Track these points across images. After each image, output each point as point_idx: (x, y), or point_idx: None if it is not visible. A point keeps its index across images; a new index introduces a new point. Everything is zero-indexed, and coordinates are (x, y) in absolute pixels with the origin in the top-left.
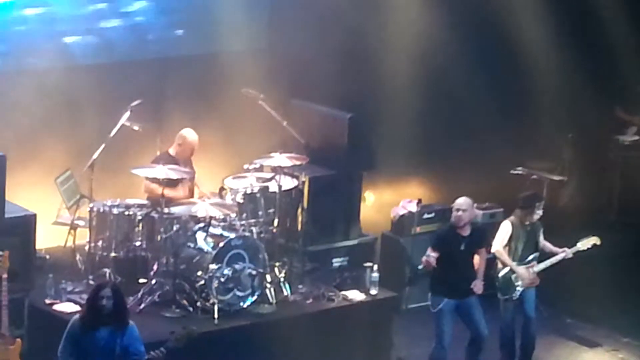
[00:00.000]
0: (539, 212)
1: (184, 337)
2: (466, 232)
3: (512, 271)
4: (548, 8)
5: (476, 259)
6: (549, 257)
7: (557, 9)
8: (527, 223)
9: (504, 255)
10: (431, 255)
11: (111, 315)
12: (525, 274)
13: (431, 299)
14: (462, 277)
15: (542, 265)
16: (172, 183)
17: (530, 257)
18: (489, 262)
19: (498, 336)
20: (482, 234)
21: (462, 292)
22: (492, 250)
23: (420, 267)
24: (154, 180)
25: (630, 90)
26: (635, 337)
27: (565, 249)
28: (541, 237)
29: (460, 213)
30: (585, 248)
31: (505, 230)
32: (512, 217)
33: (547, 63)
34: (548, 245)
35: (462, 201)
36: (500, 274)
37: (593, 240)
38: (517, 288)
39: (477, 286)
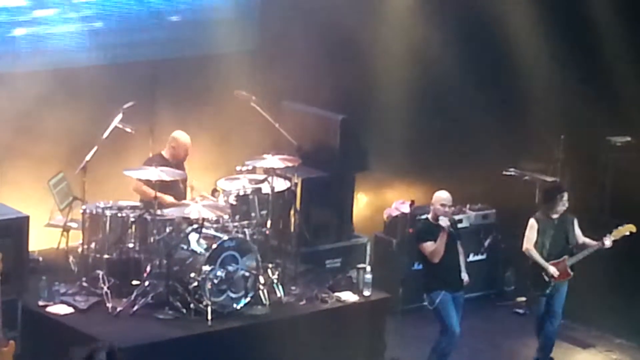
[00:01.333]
0: (563, 204)
1: None
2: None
3: (542, 267)
4: (540, 10)
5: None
6: (583, 250)
7: (549, 10)
8: (553, 217)
9: (534, 253)
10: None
11: None
12: (555, 270)
13: (428, 296)
14: (454, 269)
15: (575, 259)
16: (164, 186)
17: (561, 251)
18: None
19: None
20: (456, 224)
21: (455, 284)
22: (523, 249)
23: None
24: (146, 182)
25: (622, 91)
26: (628, 338)
27: (604, 239)
28: (575, 229)
29: (447, 209)
30: (620, 236)
31: (531, 227)
32: (537, 213)
33: (538, 64)
34: (583, 237)
35: (448, 196)
36: (531, 271)
37: (629, 227)
38: (549, 284)
39: (465, 278)
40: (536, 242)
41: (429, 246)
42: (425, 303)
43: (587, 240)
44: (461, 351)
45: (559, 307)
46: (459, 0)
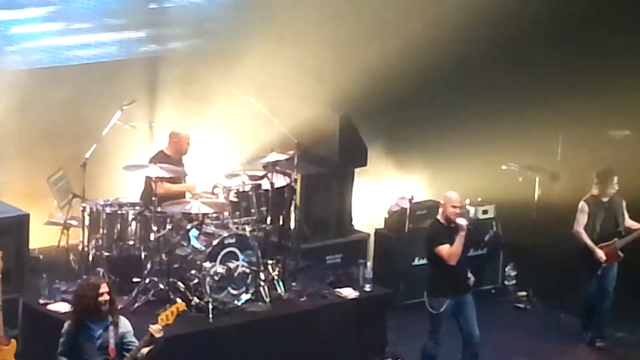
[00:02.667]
0: (613, 187)
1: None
2: (452, 225)
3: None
4: (541, 4)
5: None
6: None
7: (551, 5)
8: (604, 200)
9: (583, 236)
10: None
11: (107, 311)
12: (602, 253)
13: (431, 300)
14: (461, 273)
15: (624, 241)
16: (171, 182)
17: (611, 233)
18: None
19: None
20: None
21: (462, 289)
22: (573, 230)
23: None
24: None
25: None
26: (629, 331)
27: None
28: (625, 213)
29: (458, 210)
30: None
31: (581, 210)
32: (587, 196)
33: (538, 58)
34: (629, 221)
35: (459, 197)
36: (581, 253)
37: None
38: (599, 266)
39: (471, 280)
40: (587, 225)
41: (445, 249)
42: (427, 304)
43: (632, 223)
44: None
45: (610, 287)
46: None
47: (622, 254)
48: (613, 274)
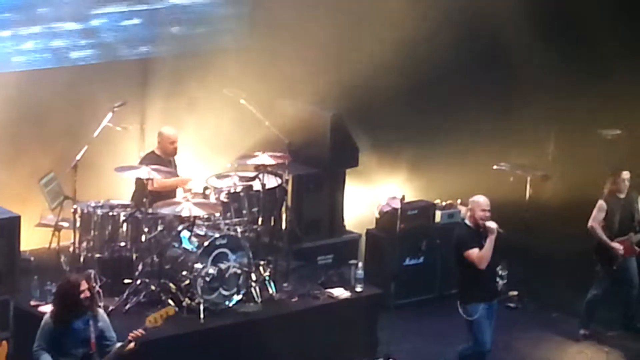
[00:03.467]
0: (625, 182)
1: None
2: (481, 229)
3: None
4: (532, 4)
5: None
6: None
7: (541, 5)
8: (621, 197)
9: (599, 231)
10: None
11: (88, 306)
12: (619, 246)
13: (465, 307)
14: (492, 277)
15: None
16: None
17: (627, 228)
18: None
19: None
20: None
21: (493, 293)
22: (588, 226)
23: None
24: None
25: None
26: (621, 330)
27: None
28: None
29: (487, 214)
30: None
31: (599, 208)
32: (605, 195)
33: (529, 58)
34: None
35: (487, 201)
36: (597, 248)
37: None
38: (616, 260)
39: (500, 284)
40: (605, 222)
41: (475, 253)
42: (461, 312)
43: None
44: (453, 345)
45: (635, 277)
46: None
47: (638, 249)
48: (634, 266)
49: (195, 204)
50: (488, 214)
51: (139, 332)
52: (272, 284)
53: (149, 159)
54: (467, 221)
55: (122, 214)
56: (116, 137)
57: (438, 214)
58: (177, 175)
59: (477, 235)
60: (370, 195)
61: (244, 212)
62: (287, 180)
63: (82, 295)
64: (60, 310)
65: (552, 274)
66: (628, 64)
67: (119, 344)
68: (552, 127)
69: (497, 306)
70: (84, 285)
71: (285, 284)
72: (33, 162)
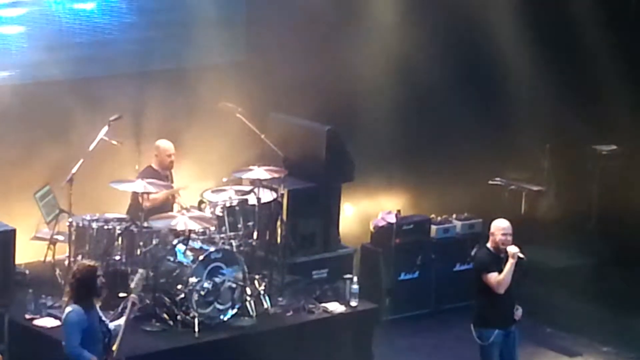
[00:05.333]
0: None
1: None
2: (501, 253)
3: None
4: (526, 19)
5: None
6: None
7: (536, 19)
8: None
9: None
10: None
11: (101, 294)
12: None
13: (479, 331)
14: (510, 303)
15: None
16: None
17: None
18: None
19: None
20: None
21: (510, 319)
22: None
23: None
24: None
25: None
26: (614, 346)
27: None
28: None
29: (508, 237)
30: None
31: None
32: None
33: (524, 73)
34: None
35: (509, 225)
36: None
37: None
38: None
39: (519, 312)
40: None
41: (494, 277)
42: (474, 335)
43: None
44: None
45: None
46: (444, 11)
47: None
48: None
49: (191, 217)
50: (510, 237)
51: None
52: (267, 298)
53: (146, 173)
54: (488, 245)
55: (117, 227)
56: (112, 150)
57: (433, 228)
58: (171, 187)
59: (497, 259)
60: (365, 210)
61: (239, 226)
62: (282, 195)
63: (98, 280)
64: (85, 293)
65: (547, 290)
66: (623, 80)
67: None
68: (547, 143)
69: (518, 332)
70: (100, 272)
71: (280, 298)
72: (28, 176)
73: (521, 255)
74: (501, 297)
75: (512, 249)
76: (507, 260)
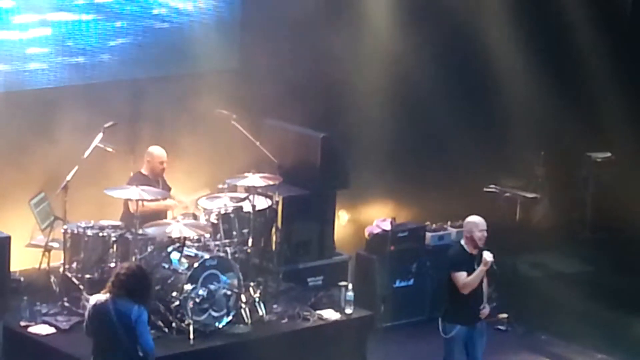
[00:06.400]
0: None
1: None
2: (475, 251)
3: None
4: (521, 26)
5: (485, 279)
6: None
7: (531, 26)
8: None
9: None
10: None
11: None
12: None
13: (444, 325)
14: (479, 301)
15: None
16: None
17: None
18: None
19: None
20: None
21: (474, 318)
22: None
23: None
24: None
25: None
26: (609, 353)
27: None
28: None
29: (485, 233)
30: None
31: None
32: None
33: (518, 81)
34: None
35: (483, 220)
36: None
37: None
38: None
39: (485, 310)
40: None
41: (462, 278)
42: (439, 328)
43: None
44: None
45: None
46: (438, 18)
47: None
48: None
49: (186, 224)
50: (486, 234)
51: None
52: (262, 306)
53: (136, 179)
54: (463, 242)
55: (112, 234)
56: (106, 157)
57: (428, 236)
58: (167, 195)
59: (470, 258)
60: (360, 217)
61: (234, 233)
62: (277, 202)
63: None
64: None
65: (541, 297)
66: (617, 87)
67: None
68: (542, 150)
69: (484, 327)
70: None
71: (275, 306)
72: (23, 182)
73: (494, 266)
74: (468, 295)
75: (488, 257)
76: (480, 257)
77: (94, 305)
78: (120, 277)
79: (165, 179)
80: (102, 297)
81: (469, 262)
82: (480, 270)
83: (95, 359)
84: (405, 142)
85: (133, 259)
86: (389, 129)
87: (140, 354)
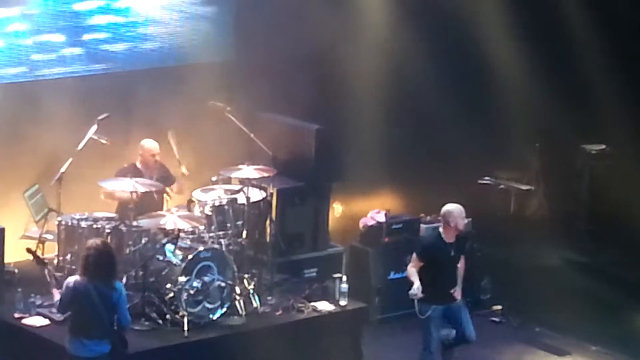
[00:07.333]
0: None
1: None
2: (452, 239)
3: None
4: (515, 19)
5: (460, 264)
6: None
7: (525, 19)
8: None
9: None
10: (416, 289)
11: None
12: None
13: (419, 305)
14: (450, 284)
15: None
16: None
17: None
18: None
19: None
20: (465, 241)
21: (448, 298)
22: None
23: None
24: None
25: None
26: (604, 345)
27: None
28: None
29: (465, 221)
30: None
31: None
32: None
33: (513, 73)
34: None
35: (462, 208)
36: None
37: None
38: None
39: (457, 292)
40: None
41: (412, 264)
42: (416, 310)
43: None
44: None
45: None
46: (433, 11)
47: None
48: None
49: (180, 216)
50: (464, 220)
51: None
52: (257, 297)
53: (129, 171)
54: (440, 229)
55: (106, 226)
56: (101, 149)
57: (423, 227)
58: (163, 189)
59: (445, 246)
60: (354, 209)
61: (229, 225)
62: (271, 194)
63: None
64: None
65: (536, 289)
66: (612, 79)
67: None
68: (536, 142)
69: (462, 304)
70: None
71: (269, 297)
72: (17, 175)
73: (478, 254)
74: (441, 277)
75: (413, 293)
76: (457, 244)
77: (74, 288)
78: (90, 259)
79: (166, 168)
80: (79, 279)
81: (444, 249)
82: (413, 286)
83: (74, 333)
84: (400, 134)
85: (127, 250)
86: (383, 121)
87: (116, 326)
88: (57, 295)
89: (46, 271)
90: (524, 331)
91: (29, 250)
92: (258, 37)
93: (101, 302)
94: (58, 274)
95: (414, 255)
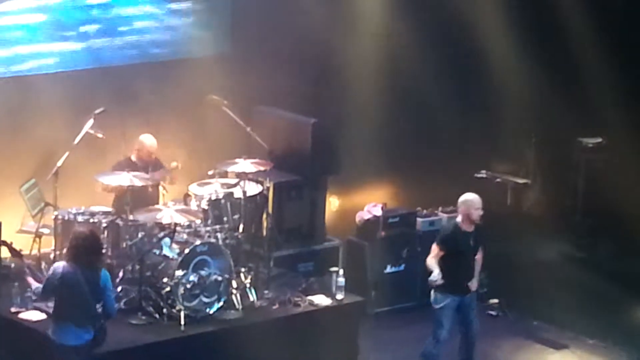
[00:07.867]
0: None
1: None
2: (470, 228)
3: None
4: (512, 13)
5: (478, 255)
6: None
7: (522, 12)
8: None
9: None
10: (436, 275)
11: None
12: None
13: (434, 294)
14: (469, 274)
15: None
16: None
17: None
18: None
19: None
20: (483, 231)
21: (464, 289)
22: None
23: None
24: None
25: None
26: (601, 339)
27: None
28: None
29: (480, 211)
30: None
31: None
32: None
33: (510, 66)
34: None
35: (479, 198)
36: None
37: None
38: None
39: (473, 284)
40: None
41: (434, 251)
42: (431, 300)
43: None
44: None
45: None
46: (431, 4)
47: None
48: None
49: (176, 210)
50: (481, 211)
51: None
52: (253, 291)
53: (124, 165)
54: (458, 219)
55: (103, 221)
56: (97, 143)
57: (419, 221)
58: (158, 183)
59: (465, 235)
60: (351, 203)
61: (225, 219)
62: (268, 188)
63: None
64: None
65: (533, 282)
66: (609, 72)
67: None
68: (533, 136)
69: (474, 297)
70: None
71: (266, 291)
72: (14, 169)
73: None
74: (459, 267)
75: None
76: (476, 234)
77: (63, 274)
78: (80, 246)
79: (160, 162)
80: (67, 266)
81: (463, 239)
82: (436, 273)
83: (61, 319)
84: (396, 128)
85: (124, 245)
86: (380, 114)
87: (100, 311)
88: (34, 284)
89: (20, 261)
90: (521, 325)
91: (2, 242)
92: (254, 31)
93: (89, 289)
94: (31, 262)
95: (434, 245)
